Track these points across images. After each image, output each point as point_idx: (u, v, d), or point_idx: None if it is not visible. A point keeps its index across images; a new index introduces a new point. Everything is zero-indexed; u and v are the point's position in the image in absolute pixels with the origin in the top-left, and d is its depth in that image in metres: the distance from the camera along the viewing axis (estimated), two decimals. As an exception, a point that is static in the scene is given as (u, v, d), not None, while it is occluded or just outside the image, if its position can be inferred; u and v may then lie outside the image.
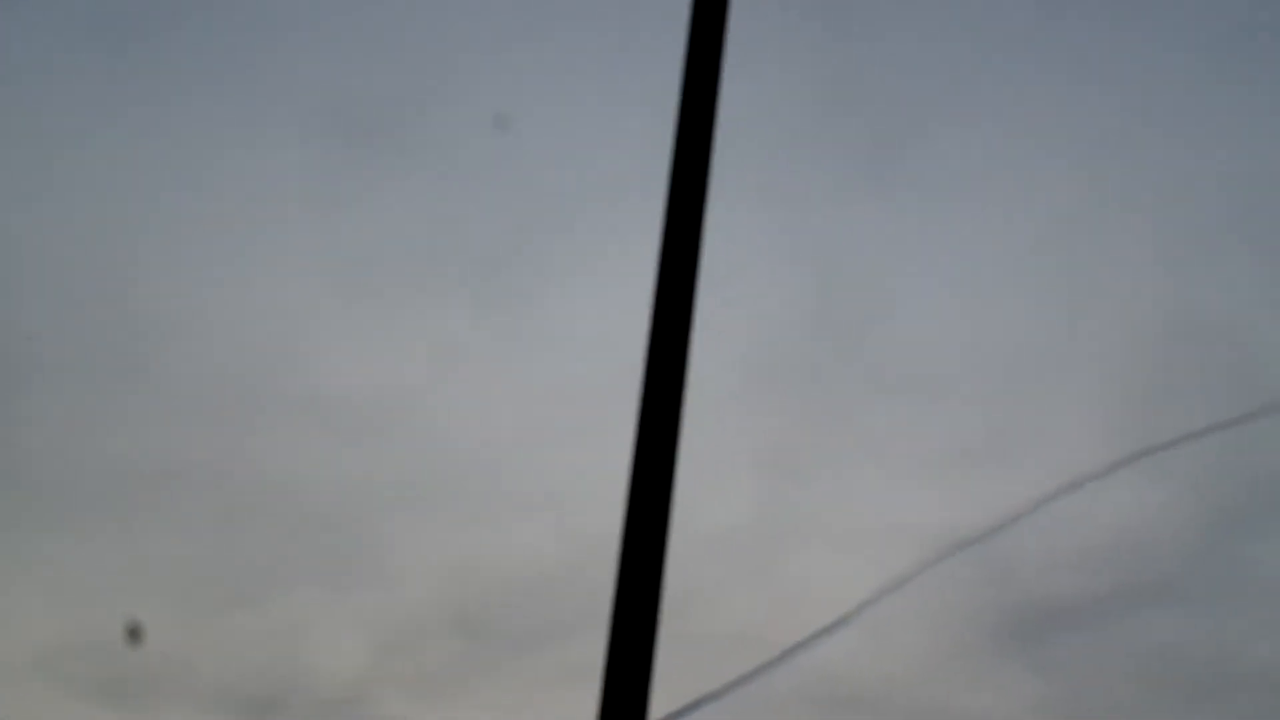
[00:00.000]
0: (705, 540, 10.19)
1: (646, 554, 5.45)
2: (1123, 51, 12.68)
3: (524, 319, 12.02)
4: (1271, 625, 11.26)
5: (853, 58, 12.06)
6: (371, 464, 11.54)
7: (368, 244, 12.17)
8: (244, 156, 12.25)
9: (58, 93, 12.28)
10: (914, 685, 11.14)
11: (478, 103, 12.43)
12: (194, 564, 11.25)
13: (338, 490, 11.56)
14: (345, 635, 11.34)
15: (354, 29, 12.50)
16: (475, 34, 12.56)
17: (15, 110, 12.21)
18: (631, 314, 5.84)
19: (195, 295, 12.10)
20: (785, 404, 11.75)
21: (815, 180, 12.15)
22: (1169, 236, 12.50)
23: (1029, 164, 12.73)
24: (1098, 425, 11.72)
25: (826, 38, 11.82)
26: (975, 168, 12.69)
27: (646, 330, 5.74)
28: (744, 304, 11.20)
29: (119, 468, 11.47)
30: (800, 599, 10.95)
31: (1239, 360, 11.82)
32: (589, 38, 12.28)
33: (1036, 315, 12.33)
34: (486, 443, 11.67)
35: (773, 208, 11.73)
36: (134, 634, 10.09)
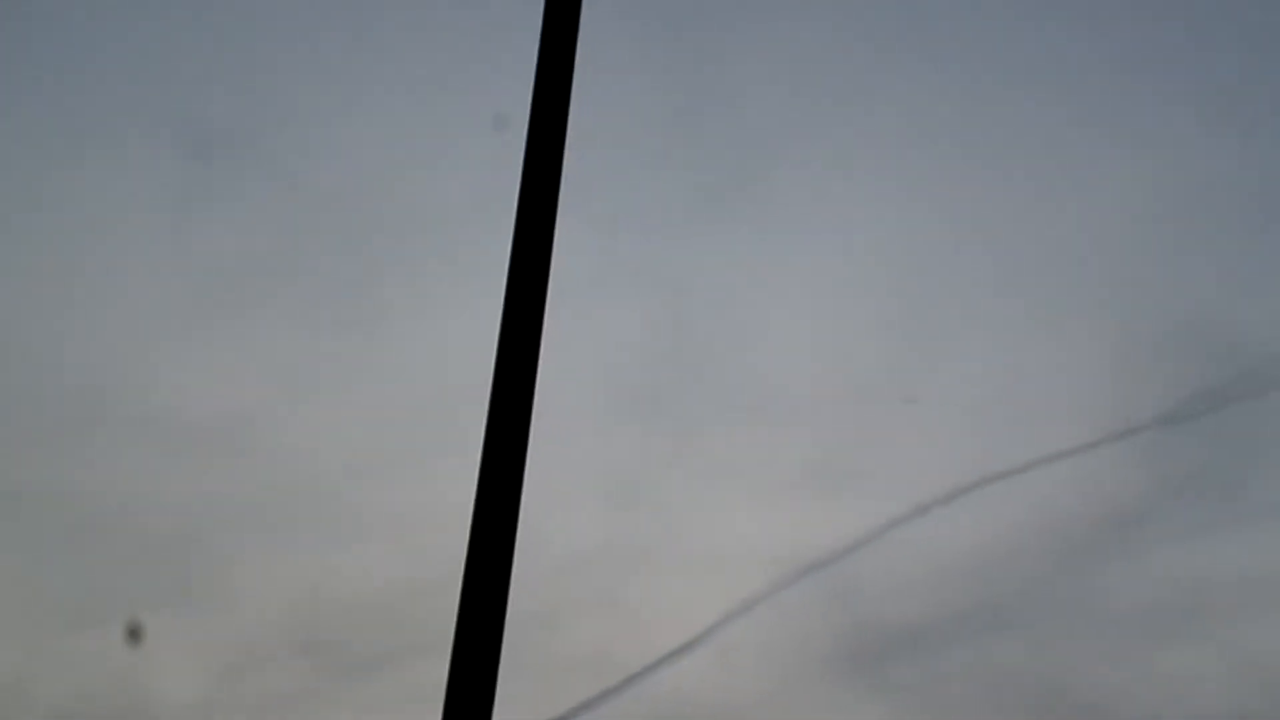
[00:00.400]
0: (554, 564, 10.18)
1: (491, 577, 5.43)
2: (967, 80, 12.88)
3: (373, 341, 11.94)
4: (1110, 652, 11.45)
5: (706, 85, 12.14)
6: (217, 486, 11.40)
7: (216, 265, 12.04)
8: (88, 173, 12.07)
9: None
10: (759, 709, 11.18)
11: (329, 126, 12.37)
12: (34, 586, 11.04)
13: (182, 512, 11.40)
14: (188, 658, 11.19)
15: (203, 48, 12.38)
16: (327, 57, 12.49)
17: None
18: (480, 337, 5.83)
19: (37, 314, 11.89)
20: (634, 429, 11.77)
21: (667, 206, 12.22)
22: (1014, 265, 12.71)
23: (879, 193, 12.89)
24: (943, 451, 11.87)
25: (679, 65, 11.90)
26: (826, 195, 12.82)
27: (494, 354, 5.73)
28: (594, 329, 11.22)
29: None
30: (647, 623, 10.97)
31: (1084, 384, 12.04)
32: (439, 61, 12.25)
33: (886, 338, 12.46)
34: (333, 465, 11.58)
35: (624, 233, 11.77)
36: (134, 634, 9.97)
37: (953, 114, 12.84)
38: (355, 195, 12.26)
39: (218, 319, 11.94)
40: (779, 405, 12.05)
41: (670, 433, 11.84)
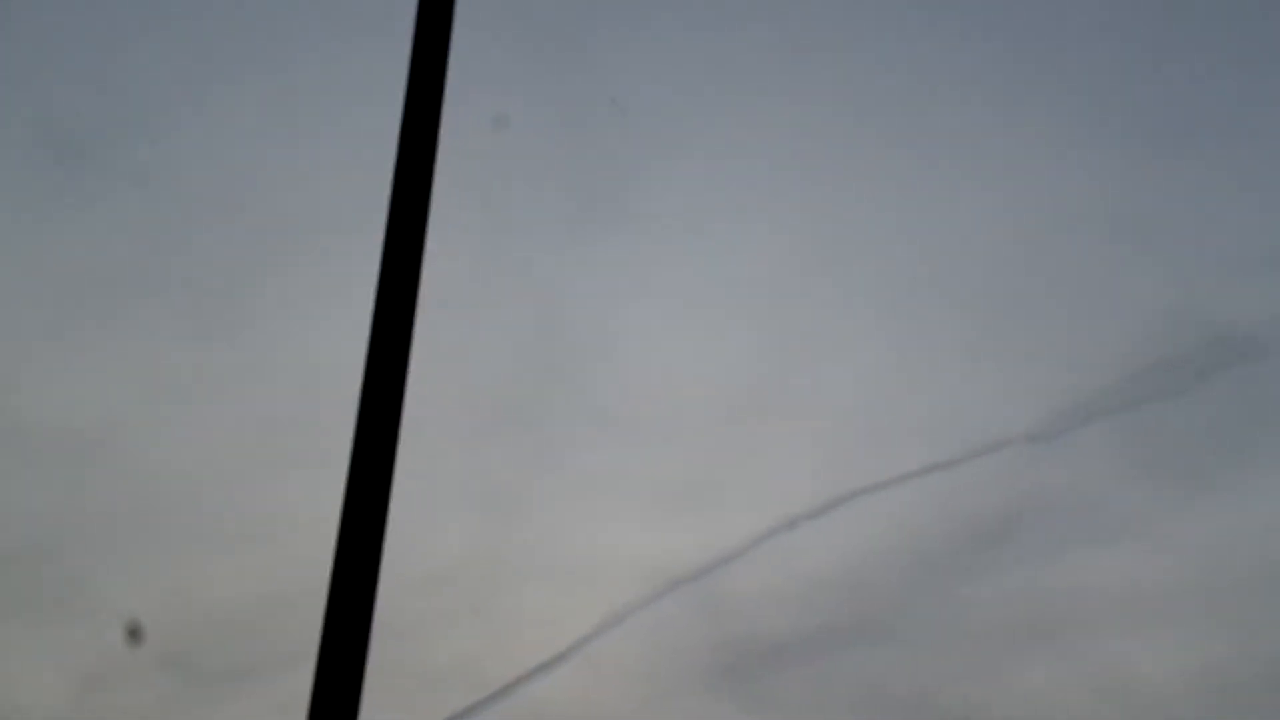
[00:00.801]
0: (422, 575, 10.11)
1: (357, 588, 5.38)
2: (842, 94, 12.98)
3: (239, 350, 11.80)
4: (978, 664, 11.57)
5: (581, 94, 12.13)
6: (77, 495, 11.22)
7: (76, 271, 11.85)
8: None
9: None
10: (628, 722, 11.19)
11: (198, 131, 12.21)
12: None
13: (40, 522, 11.21)
14: (45, 670, 11.00)
15: (65, 51, 12.18)
16: (198, 61, 12.33)
17: None
18: (349, 346, 5.77)
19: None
20: (505, 440, 11.73)
21: (540, 216, 12.19)
22: (885, 280, 12.82)
23: (753, 205, 12.95)
24: (816, 464, 11.94)
25: (554, 73, 11.88)
26: (700, 208, 12.86)
27: (364, 363, 5.67)
28: (465, 339, 11.17)
29: None
30: (517, 635, 10.93)
31: (951, 399, 12.16)
32: (309, 67, 12.15)
33: (757, 354, 12.52)
34: (197, 474, 11.44)
35: (496, 243, 11.73)
36: (134, 634, 9.77)
37: (828, 127, 12.94)
38: (222, 202, 12.13)
39: (79, 326, 11.76)
40: (650, 417, 12.07)
41: (541, 444, 11.81)
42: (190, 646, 11.07)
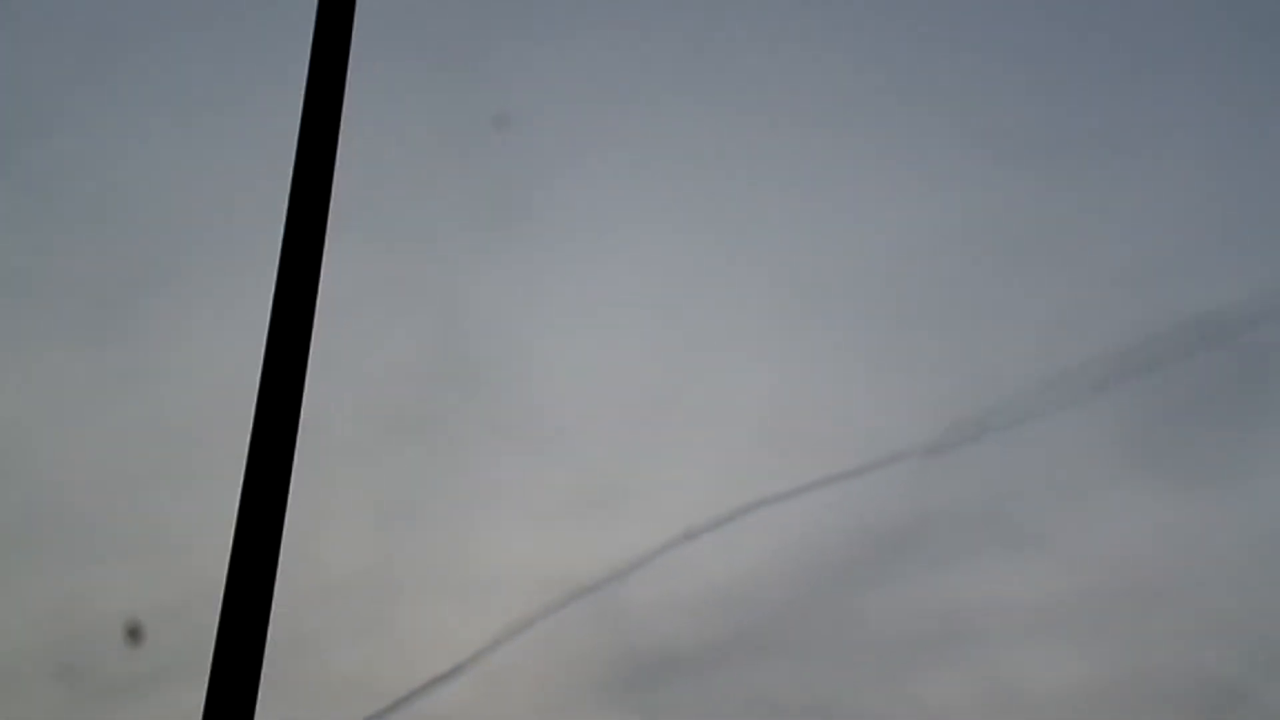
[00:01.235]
0: (318, 587, 10.03)
1: (252, 599, 5.33)
2: (750, 100, 13.03)
3: (131, 357, 11.66)
4: (876, 675, 11.62)
5: (481, 103, 12.08)
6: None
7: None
8: None
9: None
10: (526, 734, 11.15)
11: (88, 134, 12.07)
12: None
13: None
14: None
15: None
16: (88, 63, 12.19)
17: None
18: (245, 354, 5.71)
19: None
20: (404, 450, 11.67)
21: (440, 225, 12.14)
22: (793, 288, 12.87)
23: (656, 213, 12.96)
24: (717, 473, 11.97)
25: (454, 83, 11.84)
26: (602, 215, 12.86)
27: (259, 371, 5.62)
28: (363, 349, 11.10)
29: None
30: (414, 647, 10.87)
31: (858, 409, 12.24)
32: (206, 69, 12.03)
33: (657, 362, 12.53)
34: (85, 483, 11.29)
35: (395, 252, 11.66)
36: (134, 634, 9.59)
37: (734, 133, 12.98)
38: (113, 207, 12.00)
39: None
40: (551, 427, 12.05)
41: (440, 455, 11.75)
42: (80, 657, 10.92)
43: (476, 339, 12.11)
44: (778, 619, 11.74)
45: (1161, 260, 12.76)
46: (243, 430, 5.54)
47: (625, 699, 11.49)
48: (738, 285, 12.93)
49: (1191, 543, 12.17)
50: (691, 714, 11.39)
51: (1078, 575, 11.99)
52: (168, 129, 12.10)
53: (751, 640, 11.59)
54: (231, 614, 5.30)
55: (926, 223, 13.04)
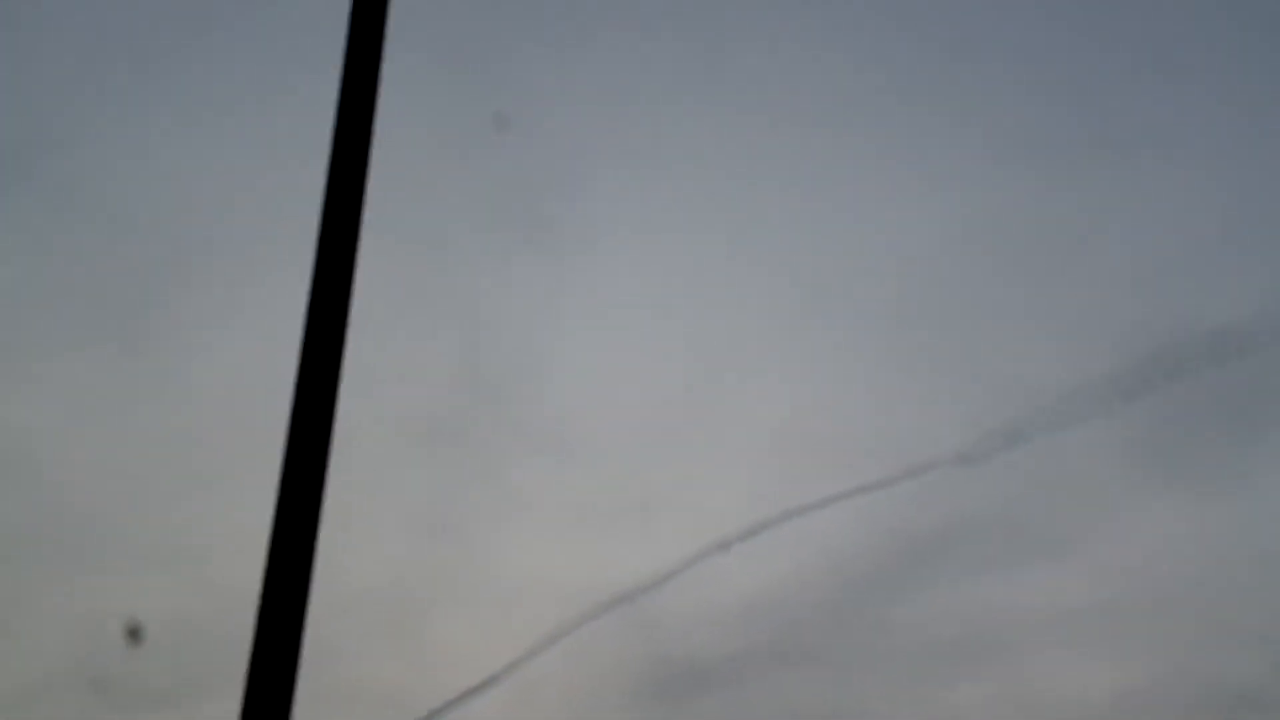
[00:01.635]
0: (350, 597, 10.03)
1: (286, 609, 5.33)
2: (772, 107, 13.03)
3: (165, 367, 11.70)
4: (906, 684, 11.60)
5: (505, 114, 12.10)
6: (-3, 515, 11.07)
7: (-1, 287, 11.71)
8: None
9: None
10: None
11: (123, 147, 12.11)
12: None
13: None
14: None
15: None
16: (117, 75, 12.23)
17: None
18: (279, 365, 5.72)
19: None
20: (435, 461, 11.67)
21: (468, 237, 12.15)
22: (816, 297, 12.86)
23: (678, 222, 12.97)
24: (747, 482, 11.96)
25: (479, 94, 11.85)
26: (626, 225, 12.86)
27: (294, 382, 5.63)
28: (395, 360, 11.10)
29: None
30: (447, 655, 10.88)
31: (883, 418, 12.21)
32: (238, 84, 12.07)
33: (686, 370, 12.52)
34: (120, 494, 11.32)
35: (425, 264, 11.68)
36: (133, 634, 9.61)
37: (752, 139, 12.98)
38: (151, 218, 12.03)
39: (-1, 342, 11.63)
40: (579, 436, 12.05)
41: (471, 465, 11.76)
42: (114, 668, 10.94)
43: (505, 349, 12.13)
44: (808, 627, 11.73)
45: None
46: (272, 438, 5.54)
47: (657, 708, 11.48)
48: (763, 293, 12.92)
49: (1211, 550, 12.16)
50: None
51: (1106, 583, 11.97)
52: (196, 138, 12.14)
53: (782, 649, 11.59)
54: (267, 623, 5.30)
55: (963, 223, 13.04)
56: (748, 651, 11.56)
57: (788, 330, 12.78)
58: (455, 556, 11.45)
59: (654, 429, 12.30)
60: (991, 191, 13.14)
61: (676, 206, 13.01)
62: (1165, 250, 12.93)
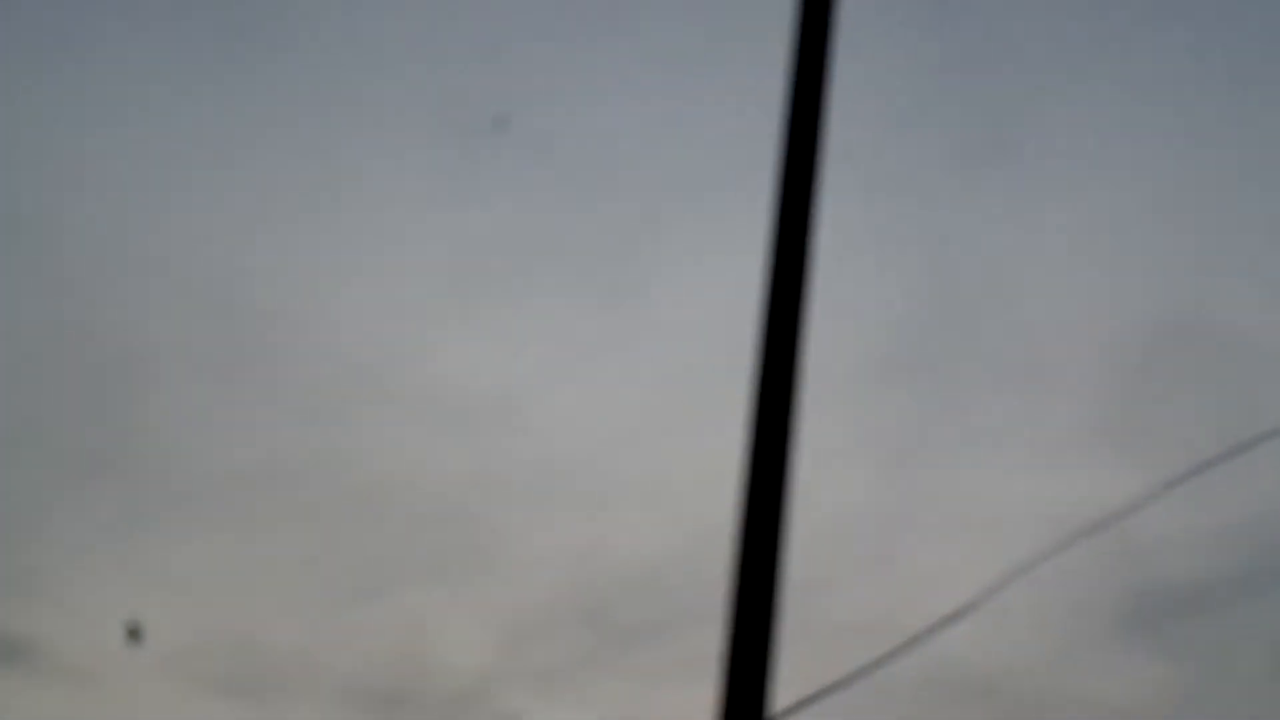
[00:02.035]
0: (825, 528, 10.15)
1: (763, 542, 5.42)
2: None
3: (637, 311, 12.02)
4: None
5: (966, 42, 11.96)
6: (489, 458, 11.58)
7: (484, 241, 12.23)
8: (364, 157, 12.35)
9: (178, 102, 12.45)
10: (1036, 672, 11.02)
11: (584, 101, 12.45)
12: (316, 561, 11.33)
13: (457, 484, 11.62)
14: (468, 627, 11.40)
15: (467, 28, 12.57)
16: (587, 30, 12.56)
17: (145, 121, 12.39)
18: (745, 301, 5.82)
19: (311, 293, 12.21)
20: (901, 392, 11.67)
21: (927, 167, 12.05)
22: None
23: (1138, 147, 12.57)
24: (1225, 404, 11.55)
25: (935, 19, 11.72)
26: (1085, 151, 12.54)
27: (760, 319, 5.71)
28: (856, 293, 11.13)
29: (240, 467, 11.60)
30: (920, 586, 10.88)
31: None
32: (692, 28, 12.24)
33: (1156, 292, 12.14)
34: (603, 434, 11.69)
35: (885, 196, 11.65)
36: (134, 634, 10.12)
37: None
38: (614, 168, 12.35)
39: (485, 294, 12.14)
40: (1050, 365, 11.84)
41: (938, 395, 11.71)
42: (603, 601, 11.35)
43: (969, 276, 12.02)
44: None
45: None
46: (743, 379, 5.64)
47: (1137, 637, 11.22)
48: (1243, 196, 12.42)
49: None
50: (1208, 653, 11.05)
51: None
52: (658, 92, 12.39)
53: (1270, 575, 11.14)
54: (745, 557, 5.41)
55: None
56: (1233, 577, 11.17)
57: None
58: (930, 486, 11.43)
59: (1131, 352, 11.98)
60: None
61: (1138, 124, 12.63)
62: None
